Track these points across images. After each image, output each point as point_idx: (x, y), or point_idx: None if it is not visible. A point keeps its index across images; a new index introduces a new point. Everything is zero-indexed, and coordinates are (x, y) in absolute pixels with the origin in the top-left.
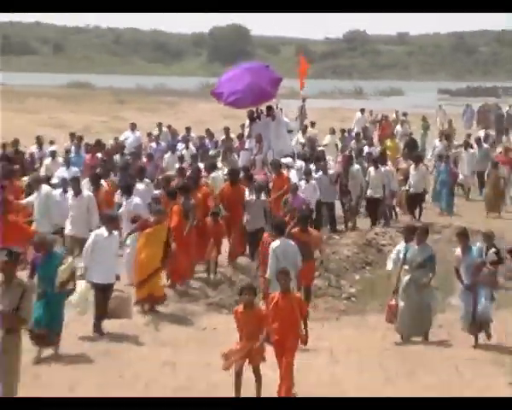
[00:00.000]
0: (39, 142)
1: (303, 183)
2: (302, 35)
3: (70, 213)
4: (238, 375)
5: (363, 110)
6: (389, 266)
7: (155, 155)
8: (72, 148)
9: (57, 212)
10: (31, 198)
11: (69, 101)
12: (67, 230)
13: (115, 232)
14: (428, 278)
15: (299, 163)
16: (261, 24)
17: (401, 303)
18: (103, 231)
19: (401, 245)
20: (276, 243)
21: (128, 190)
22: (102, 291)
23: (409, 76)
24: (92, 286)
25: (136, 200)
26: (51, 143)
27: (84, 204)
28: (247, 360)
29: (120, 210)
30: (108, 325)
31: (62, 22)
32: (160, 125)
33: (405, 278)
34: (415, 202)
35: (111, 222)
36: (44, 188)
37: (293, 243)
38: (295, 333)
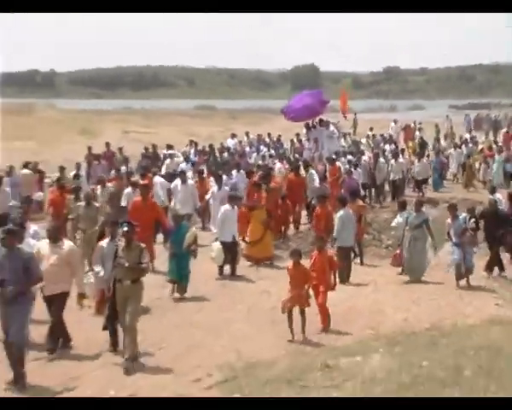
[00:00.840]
0: (169, 146)
1: (352, 170)
2: (356, 69)
3: (178, 196)
4: (290, 314)
5: (396, 121)
6: (394, 222)
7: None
8: (192, 150)
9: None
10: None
11: (198, 118)
12: (177, 208)
13: (236, 207)
14: (425, 236)
15: (348, 157)
16: (328, 62)
17: (405, 253)
18: (228, 206)
19: (405, 212)
20: (340, 213)
21: (220, 180)
22: (231, 246)
23: (428, 97)
24: (223, 244)
25: (225, 188)
26: (169, 147)
27: (188, 190)
28: (297, 304)
29: (210, 195)
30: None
31: (193, 64)
32: (247, 133)
33: (408, 235)
34: (418, 184)
35: (234, 200)
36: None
37: (350, 211)
38: (326, 281)
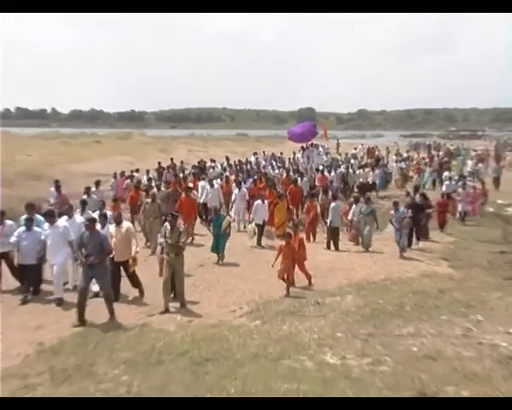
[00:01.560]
0: (212, 160)
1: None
2: (339, 111)
3: (209, 195)
4: (283, 278)
5: (362, 144)
6: (351, 211)
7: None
8: (225, 163)
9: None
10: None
11: (236, 141)
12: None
13: (265, 202)
14: (372, 221)
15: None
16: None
17: (361, 231)
18: (260, 201)
19: (359, 204)
20: (333, 204)
21: (239, 184)
22: (260, 226)
23: (385, 129)
24: (256, 225)
25: (243, 189)
26: (211, 160)
27: (214, 191)
28: (286, 273)
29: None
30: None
31: (234, 107)
32: (264, 152)
33: (361, 220)
34: (372, 186)
35: (263, 197)
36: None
37: (339, 203)
38: (303, 255)
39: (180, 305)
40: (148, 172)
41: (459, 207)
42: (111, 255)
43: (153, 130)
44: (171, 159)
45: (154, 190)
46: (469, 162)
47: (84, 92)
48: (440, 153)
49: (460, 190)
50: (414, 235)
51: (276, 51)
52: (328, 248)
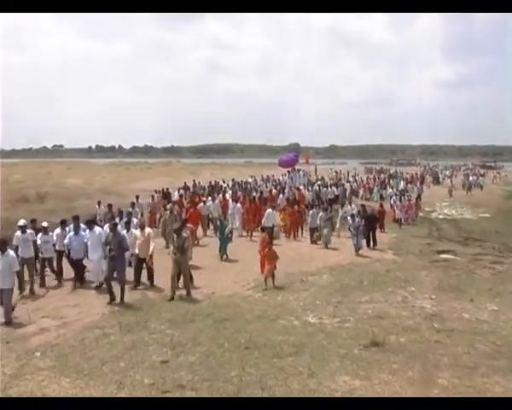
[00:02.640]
0: (223, 181)
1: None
2: (316, 145)
3: (210, 208)
4: (266, 278)
5: (332, 169)
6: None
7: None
8: (230, 183)
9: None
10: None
11: (245, 167)
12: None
13: (275, 211)
14: (330, 225)
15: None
16: (305, 140)
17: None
18: (270, 210)
19: (320, 213)
20: (311, 211)
21: (237, 198)
22: (270, 229)
23: (349, 158)
24: (266, 228)
25: (237, 205)
26: (223, 181)
27: (215, 205)
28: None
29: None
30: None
31: (243, 142)
32: (262, 175)
33: (323, 225)
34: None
35: (274, 207)
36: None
37: (316, 210)
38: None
39: (186, 293)
40: (179, 189)
41: (398, 215)
42: (136, 252)
43: (186, 159)
44: (194, 181)
45: (170, 204)
46: (402, 182)
47: (140, 133)
48: (382, 175)
49: (397, 202)
50: (371, 239)
51: (275, 104)
52: (311, 243)
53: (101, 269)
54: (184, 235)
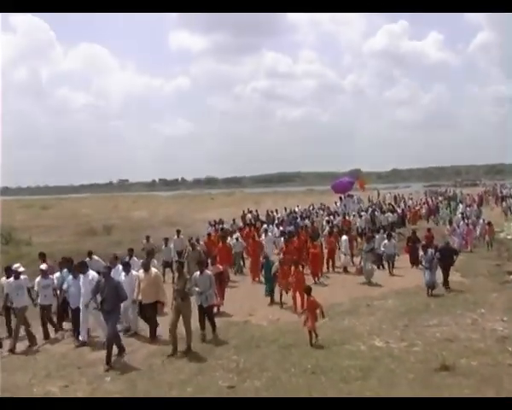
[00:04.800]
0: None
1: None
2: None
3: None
4: (311, 332)
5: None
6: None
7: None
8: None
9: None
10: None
11: (306, 194)
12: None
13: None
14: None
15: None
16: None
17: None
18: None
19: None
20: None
21: (265, 232)
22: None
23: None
24: None
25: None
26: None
27: (239, 242)
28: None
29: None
30: None
31: (306, 170)
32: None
33: (365, 257)
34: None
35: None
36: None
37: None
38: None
39: (186, 347)
40: (234, 220)
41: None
42: (139, 298)
43: (249, 189)
44: (243, 211)
45: (193, 239)
46: (461, 205)
47: (201, 165)
48: (440, 197)
49: (456, 228)
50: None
51: (333, 129)
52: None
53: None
54: (187, 276)
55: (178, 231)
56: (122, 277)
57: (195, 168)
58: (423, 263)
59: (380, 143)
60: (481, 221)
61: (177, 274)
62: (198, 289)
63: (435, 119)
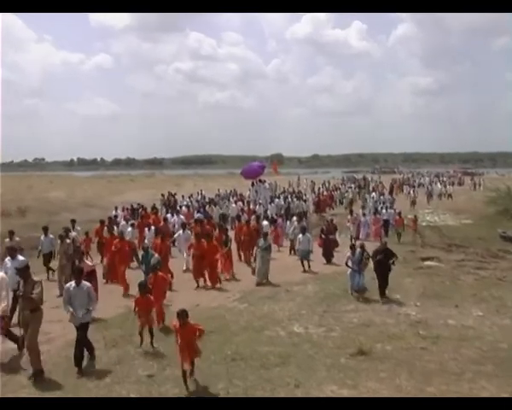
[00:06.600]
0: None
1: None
2: (296, 154)
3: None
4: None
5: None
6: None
7: None
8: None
9: None
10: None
11: (227, 178)
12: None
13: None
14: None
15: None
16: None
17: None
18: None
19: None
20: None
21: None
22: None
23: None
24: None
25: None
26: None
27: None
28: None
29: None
30: None
31: (225, 153)
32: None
33: (260, 255)
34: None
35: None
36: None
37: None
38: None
39: (32, 373)
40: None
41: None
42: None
43: (169, 170)
44: (169, 192)
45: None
46: (373, 194)
47: (121, 146)
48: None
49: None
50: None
51: (255, 114)
52: (290, 253)
53: None
54: (35, 279)
55: (73, 221)
56: None
57: (115, 149)
58: (350, 264)
59: (301, 128)
60: (392, 211)
61: (22, 279)
62: (71, 308)
63: (356, 107)
